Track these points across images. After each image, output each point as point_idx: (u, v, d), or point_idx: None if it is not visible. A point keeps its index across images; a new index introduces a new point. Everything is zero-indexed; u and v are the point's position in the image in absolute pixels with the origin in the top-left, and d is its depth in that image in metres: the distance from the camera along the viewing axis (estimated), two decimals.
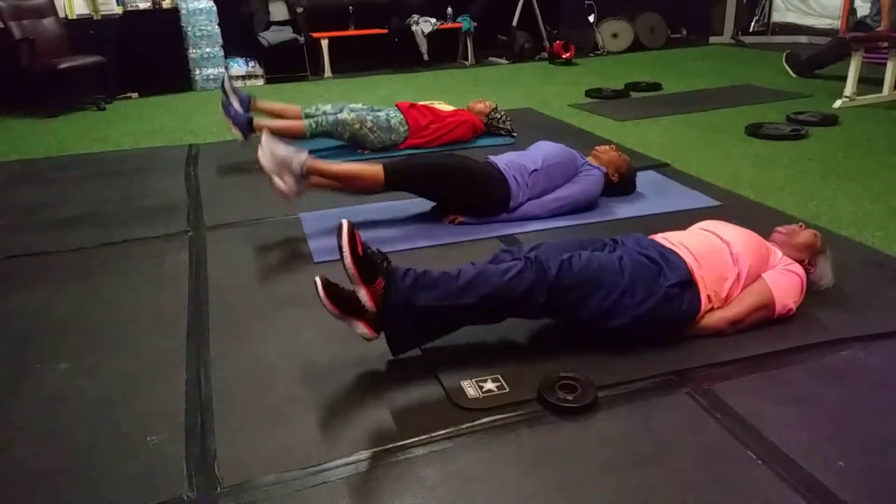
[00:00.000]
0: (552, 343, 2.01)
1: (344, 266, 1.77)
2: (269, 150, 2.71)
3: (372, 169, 2.83)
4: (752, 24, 8.96)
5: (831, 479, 1.48)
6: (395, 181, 2.85)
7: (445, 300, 1.82)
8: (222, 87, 4.06)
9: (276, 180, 2.73)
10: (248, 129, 3.94)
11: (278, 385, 1.89)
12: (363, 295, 1.78)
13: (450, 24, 8.02)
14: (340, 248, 1.76)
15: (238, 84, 6.72)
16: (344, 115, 4.02)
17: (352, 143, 4.07)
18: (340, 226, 1.78)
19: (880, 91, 5.25)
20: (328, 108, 4.19)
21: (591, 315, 1.91)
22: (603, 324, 1.92)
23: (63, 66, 5.77)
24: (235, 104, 4.01)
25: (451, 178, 2.93)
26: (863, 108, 5.04)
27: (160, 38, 6.64)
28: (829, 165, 3.73)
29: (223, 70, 6.88)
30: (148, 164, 4.22)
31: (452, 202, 3.00)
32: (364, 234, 2.82)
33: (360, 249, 1.77)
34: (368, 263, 1.78)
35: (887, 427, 1.66)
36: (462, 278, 1.85)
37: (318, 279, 1.79)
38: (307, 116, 4.12)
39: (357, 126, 4.01)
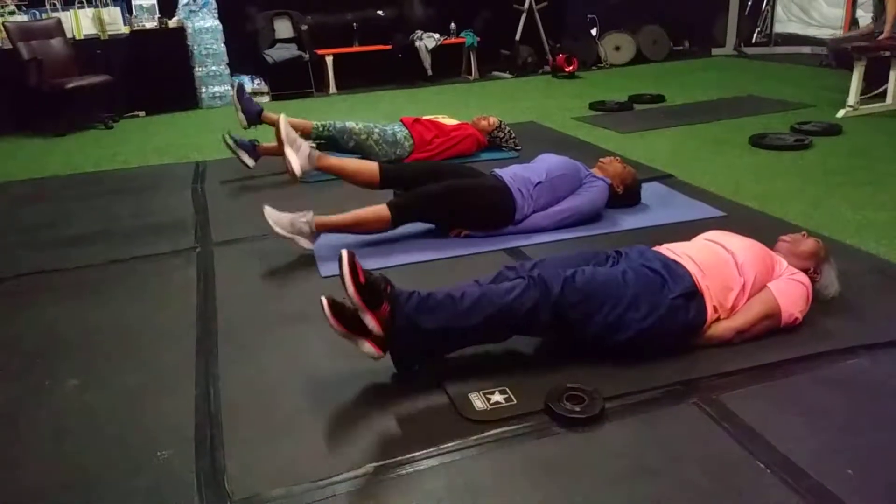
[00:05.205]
0: (559, 354, 2.01)
1: (347, 296, 1.77)
2: (274, 222, 2.76)
3: (377, 212, 2.85)
4: (755, 35, 8.99)
5: (840, 487, 1.48)
6: (403, 217, 2.89)
7: (450, 322, 1.83)
8: (235, 93, 4.19)
9: (289, 151, 2.90)
10: (253, 153, 4.04)
11: (286, 399, 1.90)
12: (370, 321, 1.78)
13: (453, 40, 8.08)
14: (342, 278, 1.77)
15: None
16: (351, 125, 4.09)
17: (355, 152, 4.10)
18: (340, 256, 1.79)
19: (883, 100, 5.26)
20: (336, 123, 4.28)
21: (597, 330, 1.92)
22: (609, 338, 1.92)
23: (71, 85, 5.83)
24: (242, 118, 4.09)
25: (456, 200, 2.94)
26: (866, 118, 5.05)
27: (167, 56, 6.70)
28: (832, 175, 3.74)
29: (230, 88, 6.94)
30: (155, 182, 4.26)
31: (458, 217, 3.01)
32: (370, 248, 2.90)
33: (361, 277, 1.78)
34: (371, 290, 1.79)
35: (895, 435, 1.66)
36: (466, 299, 1.86)
37: (324, 299, 1.80)
38: (318, 137, 4.20)
39: (363, 136, 4.06)
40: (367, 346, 1.82)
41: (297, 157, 2.97)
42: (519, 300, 1.87)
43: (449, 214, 2.98)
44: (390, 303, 1.81)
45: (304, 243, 2.81)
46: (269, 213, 2.78)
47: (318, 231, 2.81)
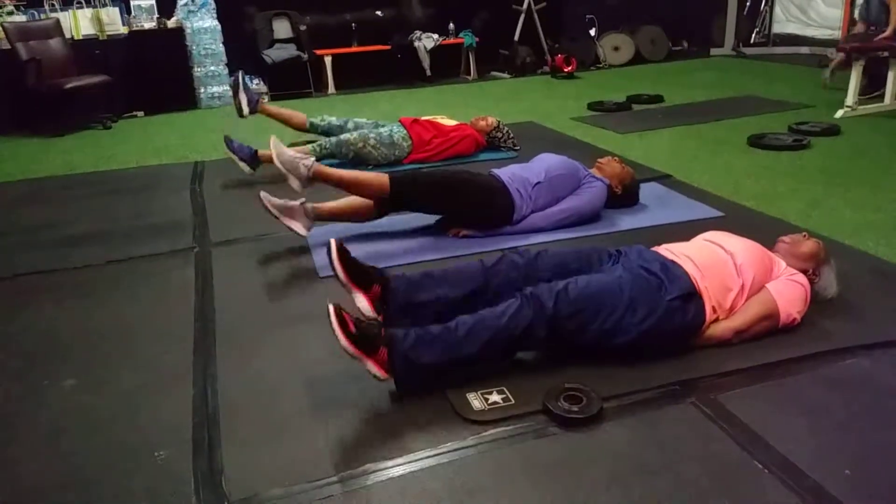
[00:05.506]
0: (557, 355, 2.01)
1: (343, 348, 1.76)
2: (276, 154, 2.75)
3: (379, 178, 2.84)
4: (753, 35, 9.00)
5: (838, 487, 1.48)
6: (400, 191, 2.85)
7: (449, 353, 1.84)
8: (235, 81, 4.17)
9: (287, 222, 2.84)
10: (253, 161, 4.00)
11: (285, 399, 1.90)
12: (371, 366, 1.78)
13: (452, 40, 8.08)
14: (333, 332, 1.75)
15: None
16: (346, 136, 4.07)
17: (356, 161, 4.09)
18: (328, 311, 1.76)
19: (881, 100, 5.26)
20: (333, 119, 4.28)
21: (595, 337, 1.92)
22: (608, 343, 1.93)
23: (69, 85, 5.82)
24: (243, 101, 4.20)
25: (455, 192, 2.94)
26: (864, 118, 5.06)
27: (165, 57, 6.69)
28: (831, 175, 3.74)
29: (228, 88, 6.94)
30: (154, 182, 4.25)
31: (456, 216, 3.01)
32: (368, 248, 2.90)
33: (352, 328, 1.77)
34: (364, 339, 1.79)
35: (893, 435, 1.66)
36: (461, 328, 1.86)
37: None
38: (312, 125, 4.29)
39: (360, 145, 4.05)
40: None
41: (296, 223, 2.87)
42: (514, 321, 1.87)
43: (446, 206, 2.98)
44: (387, 346, 1.81)
45: (294, 184, 2.76)
46: (275, 143, 2.76)
47: (315, 177, 2.76)
